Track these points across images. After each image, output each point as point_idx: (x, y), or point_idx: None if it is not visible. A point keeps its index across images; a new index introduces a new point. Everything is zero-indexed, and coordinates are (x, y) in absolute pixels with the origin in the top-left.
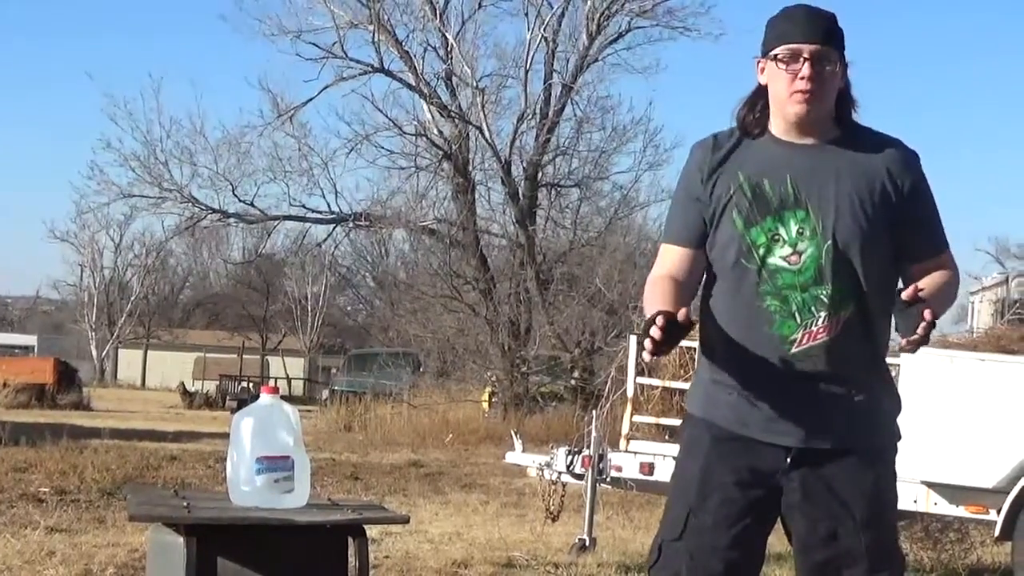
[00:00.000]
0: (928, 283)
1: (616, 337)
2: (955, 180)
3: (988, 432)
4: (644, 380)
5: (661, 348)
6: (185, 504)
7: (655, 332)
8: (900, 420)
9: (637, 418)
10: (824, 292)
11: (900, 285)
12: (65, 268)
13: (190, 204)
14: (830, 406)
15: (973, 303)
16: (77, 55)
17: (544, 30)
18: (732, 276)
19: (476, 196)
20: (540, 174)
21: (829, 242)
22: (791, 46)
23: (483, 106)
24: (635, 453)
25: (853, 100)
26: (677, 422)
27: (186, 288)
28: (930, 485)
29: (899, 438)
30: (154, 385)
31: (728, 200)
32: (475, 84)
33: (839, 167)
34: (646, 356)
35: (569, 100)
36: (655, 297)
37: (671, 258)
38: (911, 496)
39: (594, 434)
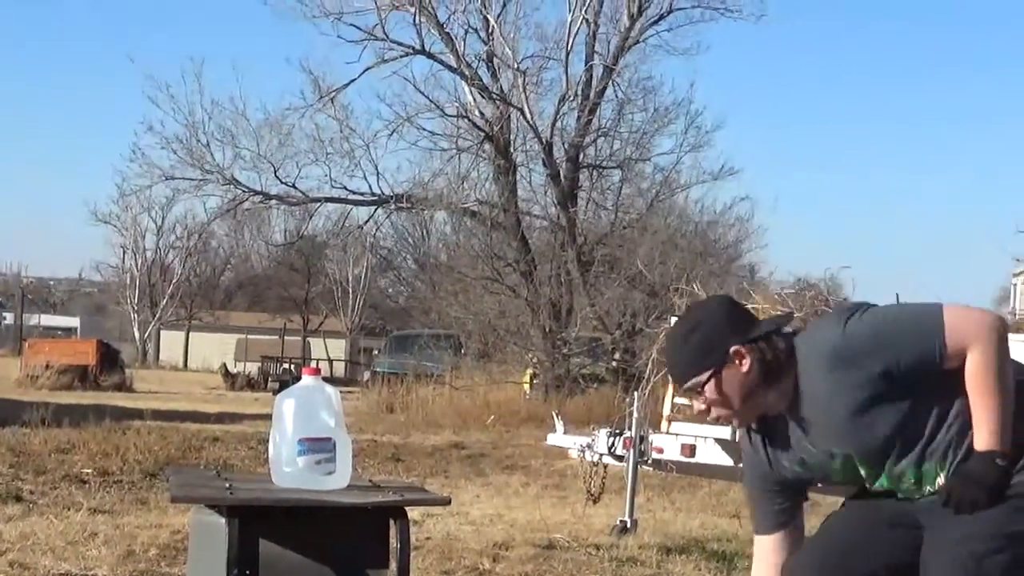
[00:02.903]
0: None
1: (657, 319)
2: (996, 161)
3: None
4: None
5: None
6: (227, 485)
7: None
8: None
9: (679, 400)
10: (909, 474)
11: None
12: (107, 250)
13: (232, 186)
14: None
15: (1016, 285)
16: (119, 38)
17: (585, 11)
18: None
19: (517, 177)
20: (581, 155)
21: (861, 458)
22: None
23: (524, 88)
24: (676, 435)
25: (780, 344)
26: None
27: (228, 270)
28: None
29: None
30: (196, 366)
31: (797, 479)
32: (516, 66)
33: (821, 410)
34: None
35: (611, 81)
36: None
37: (765, 550)
38: None
39: (635, 415)
